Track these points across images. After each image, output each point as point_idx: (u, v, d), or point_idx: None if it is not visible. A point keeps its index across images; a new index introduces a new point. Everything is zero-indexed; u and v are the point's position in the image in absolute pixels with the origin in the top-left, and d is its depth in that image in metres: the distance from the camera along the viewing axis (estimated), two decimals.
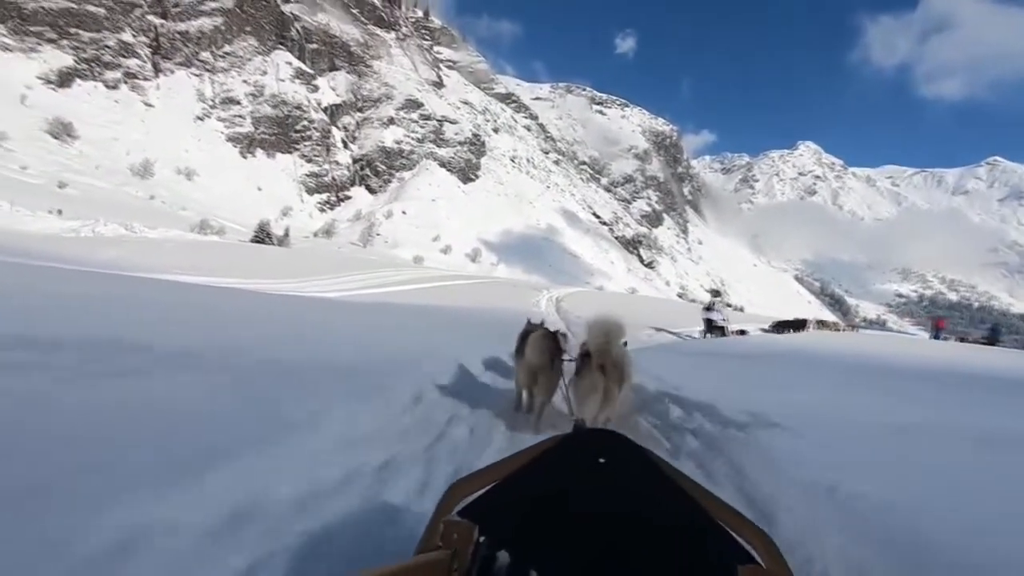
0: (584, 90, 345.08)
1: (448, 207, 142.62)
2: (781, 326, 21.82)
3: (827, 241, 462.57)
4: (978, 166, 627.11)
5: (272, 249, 34.35)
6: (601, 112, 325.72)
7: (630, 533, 0.88)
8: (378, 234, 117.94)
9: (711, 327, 19.34)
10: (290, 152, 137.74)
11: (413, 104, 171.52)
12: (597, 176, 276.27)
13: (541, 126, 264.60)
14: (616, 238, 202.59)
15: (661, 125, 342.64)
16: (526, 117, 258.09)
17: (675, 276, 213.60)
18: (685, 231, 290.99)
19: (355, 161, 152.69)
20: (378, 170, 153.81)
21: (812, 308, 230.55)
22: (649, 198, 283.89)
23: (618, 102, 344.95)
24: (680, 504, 0.98)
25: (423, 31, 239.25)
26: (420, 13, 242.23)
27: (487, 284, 25.15)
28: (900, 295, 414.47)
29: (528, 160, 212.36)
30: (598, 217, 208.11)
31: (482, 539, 0.80)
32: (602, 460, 1.09)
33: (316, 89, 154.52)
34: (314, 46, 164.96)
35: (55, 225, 24.40)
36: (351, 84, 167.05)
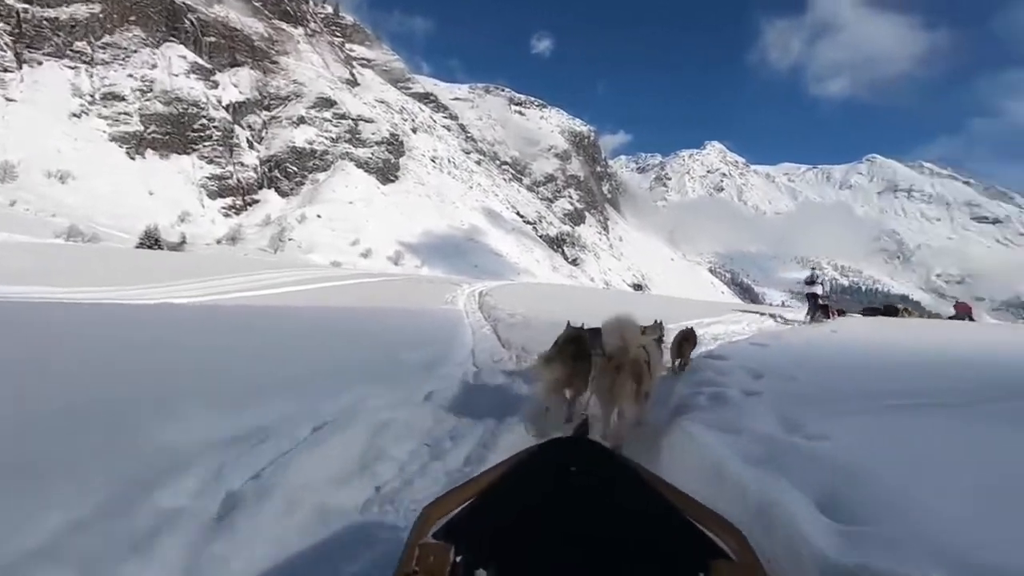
0: (503, 90, 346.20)
1: (367, 209, 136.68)
2: (870, 311, 20.58)
3: (735, 234, 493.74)
4: (860, 162, 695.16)
5: (129, 252, 29.52)
6: (520, 113, 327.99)
7: (604, 541, 0.89)
8: (291, 239, 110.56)
9: (816, 306, 16.95)
10: (187, 153, 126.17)
11: (326, 102, 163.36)
12: (519, 176, 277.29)
13: (461, 126, 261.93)
14: (540, 237, 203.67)
15: (579, 126, 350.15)
16: (445, 117, 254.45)
17: (599, 272, 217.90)
18: (606, 228, 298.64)
19: (263, 162, 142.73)
20: (289, 172, 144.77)
21: (726, 298, 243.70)
22: (571, 197, 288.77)
23: (536, 103, 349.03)
24: (652, 505, 0.99)
25: (333, 27, 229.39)
26: (329, 9, 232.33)
27: (393, 282, 21.83)
28: (800, 281, 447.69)
29: (449, 160, 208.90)
30: (522, 216, 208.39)
31: (459, 559, 0.80)
32: (573, 469, 1.10)
33: (216, 85, 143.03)
34: (212, 39, 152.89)
35: None
36: (256, 81, 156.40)
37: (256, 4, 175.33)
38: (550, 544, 0.88)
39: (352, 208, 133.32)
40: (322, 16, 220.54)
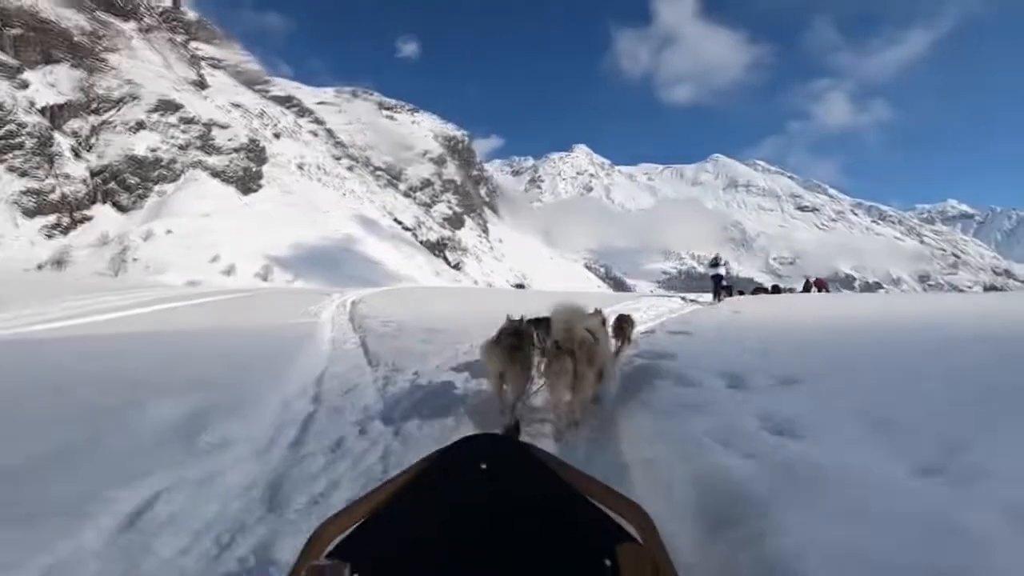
0: (371, 95, 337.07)
1: (226, 222, 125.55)
2: (759, 291, 22.21)
3: (605, 231, 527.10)
4: (706, 162, 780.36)
5: None
6: (391, 117, 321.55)
7: (509, 540, 0.88)
8: (135, 259, 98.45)
9: (719, 287, 17.35)
10: None
11: (169, 106, 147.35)
12: (394, 182, 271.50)
13: (329, 131, 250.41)
14: (421, 242, 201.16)
15: (452, 130, 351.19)
16: (311, 122, 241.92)
17: (481, 275, 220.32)
18: (486, 231, 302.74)
19: (94, 174, 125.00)
20: (128, 183, 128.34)
21: (602, 291, 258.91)
22: (449, 201, 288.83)
23: (407, 107, 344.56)
24: (558, 493, 0.98)
25: (174, 23, 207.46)
26: (167, 2, 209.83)
27: (249, 297, 19.45)
28: (665, 272, 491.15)
29: (318, 167, 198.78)
30: (400, 223, 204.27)
31: None
32: (484, 466, 1.09)
33: (25, 85, 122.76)
34: (17, 31, 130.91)
35: None
36: (79, 81, 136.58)
37: None
38: (453, 551, 0.86)
39: (208, 221, 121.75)
40: (159, 10, 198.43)
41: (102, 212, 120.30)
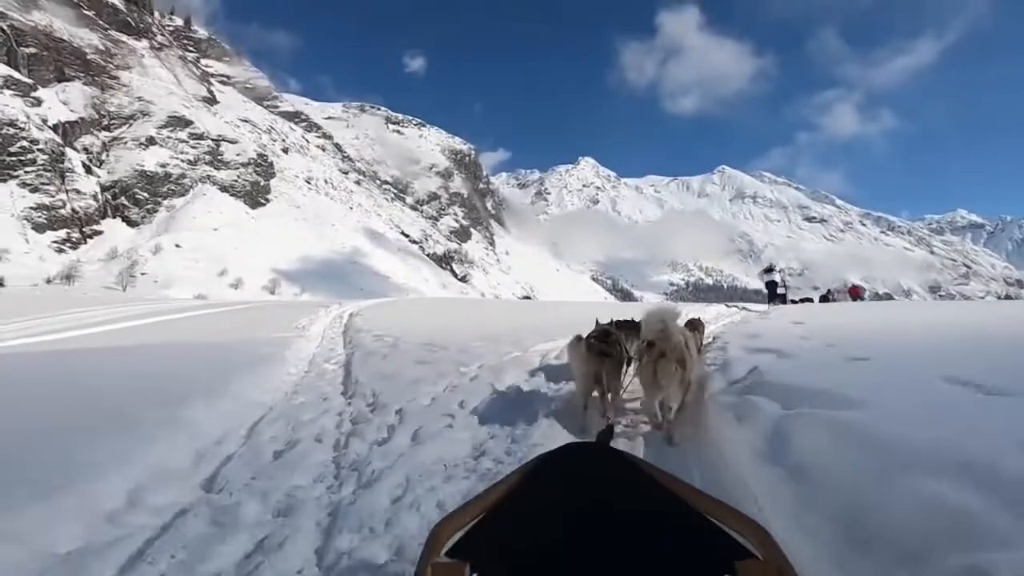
0: (379, 109, 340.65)
1: (235, 236, 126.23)
2: (804, 300, 20.45)
3: (612, 243, 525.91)
4: (712, 173, 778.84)
5: None
6: (398, 131, 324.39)
7: (623, 549, 0.85)
8: (143, 273, 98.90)
9: (773, 294, 16.33)
10: (4, 180, 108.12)
11: (179, 122, 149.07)
12: (402, 195, 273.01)
13: (337, 146, 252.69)
14: (428, 255, 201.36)
15: (459, 144, 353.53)
16: (319, 136, 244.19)
17: (488, 287, 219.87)
18: (492, 243, 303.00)
19: (105, 189, 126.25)
20: (138, 198, 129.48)
21: (608, 302, 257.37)
22: (455, 214, 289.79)
23: (415, 121, 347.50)
24: (671, 509, 0.95)
25: (185, 41, 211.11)
26: (179, 21, 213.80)
27: (245, 310, 18.27)
28: (672, 283, 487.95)
29: (326, 181, 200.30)
30: (407, 236, 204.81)
31: None
32: (591, 474, 1.08)
33: (38, 103, 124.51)
34: (31, 50, 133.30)
35: None
36: (91, 98, 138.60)
37: (88, 13, 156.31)
38: (567, 556, 0.85)
39: (217, 235, 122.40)
40: (171, 29, 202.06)
41: (112, 227, 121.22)
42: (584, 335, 3.81)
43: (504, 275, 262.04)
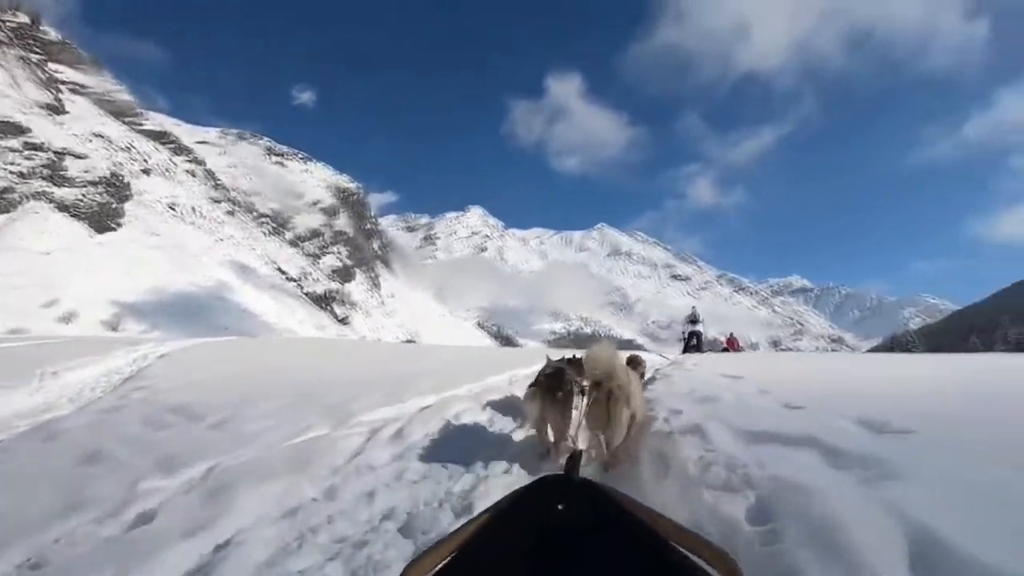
0: (260, 139, 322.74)
1: (72, 262, 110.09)
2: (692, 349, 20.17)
3: (498, 291, 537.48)
4: (592, 230, 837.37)
5: None
6: (281, 164, 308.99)
7: None
8: None
9: (690, 344, 15.45)
10: None
11: (11, 128, 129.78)
12: (280, 230, 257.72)
13: (209, 172, 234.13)
14: (306, 294, 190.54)
15: (346, 182, 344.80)
16: (189, 161, 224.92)
17: (369, 330, 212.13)
18: (377, 285, 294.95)
19: None
20: None
21: (493, 347, 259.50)
22: (339, 253, 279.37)
23: (299, 155, 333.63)
24: (643, 541, 0.94)
25: (30, 41, 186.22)
26: (24, 18, 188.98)
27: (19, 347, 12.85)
28: (554, 332, 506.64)
29: (193, 209, 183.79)
30: (283, 273, 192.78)
31: None
32: (560, 507, 1.06)
33: None
34: None
35: None
36: None
37: None
38: None
39: (48, 260, 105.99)
40: (12, 26, 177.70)
41: None
42: (539, 373, 3.91)
43: (387, 318, 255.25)
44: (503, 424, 5.09)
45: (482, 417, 5.30)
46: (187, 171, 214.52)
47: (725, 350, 22.81)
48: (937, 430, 3.30)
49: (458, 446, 4.01)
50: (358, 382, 7.18)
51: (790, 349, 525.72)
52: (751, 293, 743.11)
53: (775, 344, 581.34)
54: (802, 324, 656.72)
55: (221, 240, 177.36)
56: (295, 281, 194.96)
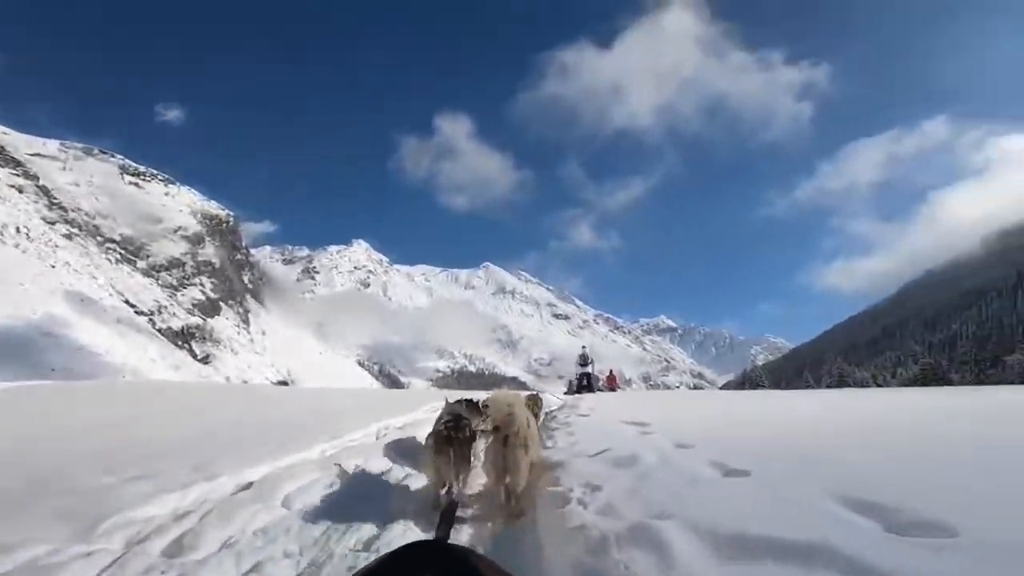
0: (112, 156, 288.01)
1: None
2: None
3: (381, 327, 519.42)
4: (478, 269, 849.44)
5: None
6: (136, 185, 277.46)
7: None
8: None
9: (582, 385, 14.74)
10: None
11: None
12: (132, 258, 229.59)
13: (43, 188, 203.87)
14: (160, 330, 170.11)
15: (215, 208, 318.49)
16: (17, 175, 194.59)
17: (236, 370, 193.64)
18: (247, 321, 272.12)
19: None
20: None
21: (376, 388, 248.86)
22: (203, 285, 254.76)
23: (160, 176, 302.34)
24: None
25: None
26: None
27: None
28: (438, 370, 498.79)
29: (19, 229, 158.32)
30: (133, 306, 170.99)
31: None
32: None
33: None
34: None
35: None
36: None
37: None
38: None
39: None
40: None
41: None
42: (438, 418, 3.77)
43: (258, 357, 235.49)
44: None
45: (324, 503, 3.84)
46: (14, 186, 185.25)
47: (605, 386, 24.25)
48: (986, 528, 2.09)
49: None
50: (136, 457, 4.90)
51: (660, 384, 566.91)
52: (625, 332, 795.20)
53: (646, 379, 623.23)
54: (669, 360, 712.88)
55: (54, 267, 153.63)
56: (147, 315, 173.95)
